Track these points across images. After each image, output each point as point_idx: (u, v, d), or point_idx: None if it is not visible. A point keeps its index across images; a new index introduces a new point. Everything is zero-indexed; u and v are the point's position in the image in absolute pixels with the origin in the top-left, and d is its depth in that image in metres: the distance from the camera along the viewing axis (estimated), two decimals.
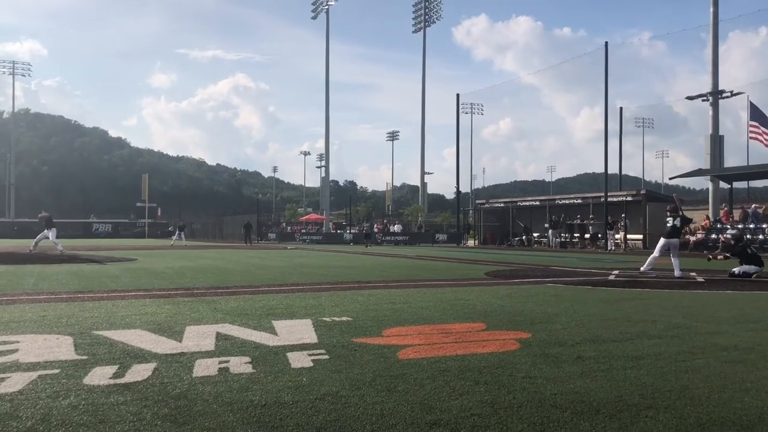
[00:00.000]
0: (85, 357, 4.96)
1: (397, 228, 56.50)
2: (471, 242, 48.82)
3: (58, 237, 26.16)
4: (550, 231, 38.94)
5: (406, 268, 17.45)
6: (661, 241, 14.79)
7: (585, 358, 5.09)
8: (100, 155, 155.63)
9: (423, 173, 72.40)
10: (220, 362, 4.79)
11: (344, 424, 3.34)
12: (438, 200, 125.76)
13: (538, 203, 45.07)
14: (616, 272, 15.58)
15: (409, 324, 6.84)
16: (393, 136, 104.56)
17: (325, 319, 7.05)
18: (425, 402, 3.76)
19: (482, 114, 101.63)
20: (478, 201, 54.82)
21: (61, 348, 5.31)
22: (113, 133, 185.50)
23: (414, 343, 5.72)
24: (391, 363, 4.83)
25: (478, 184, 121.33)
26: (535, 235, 41.64)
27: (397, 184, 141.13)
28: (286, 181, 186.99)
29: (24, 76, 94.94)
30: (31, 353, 5.11)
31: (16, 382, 4.14)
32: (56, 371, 4.46)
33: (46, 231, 25.33)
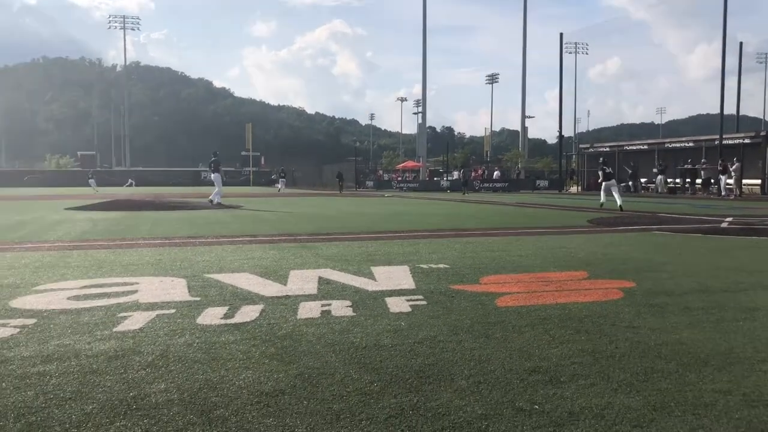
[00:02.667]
0: (198, 298, 5.26)
1: (495, 174, 55.64)
2: (574, 188, 47.47)
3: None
4: (658, 176, 37.18)
5: (505, 216, 17.25)
6: None
7: (693, 308, 4.89)
8: (206, 105, 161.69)
9: (524, 117, 70.39)
10: (322, 305, 4.96)
11: (442, 368, 3.40)
12: (539, 145, 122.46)
13: (646, 147, 43.01)
14: (730, 219, 14.75)
15: (507, 272, 6.79)
16: (492, 79, 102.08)
17: (422, 265, 7.12)
18: (524, 349, 3.75)
19: (587, 54, 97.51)
20: (581, 145, 52.94)
21: (176, 289, 5.66)
22: (217, 83, 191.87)
23: (512, 291, 5.69)
24: (489, 310, 4.83)
25: (582, 128, 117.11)
26: (643, 180, 39.89)
27: (497, 129, 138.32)
28: (383, 129, 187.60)
29: (133, 29, 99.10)
30: (150, 294, 5.47)
31: (137, 320, 4.47)
32: (172, 311, 4.77)
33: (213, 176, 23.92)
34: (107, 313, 4.68)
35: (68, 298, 5.25)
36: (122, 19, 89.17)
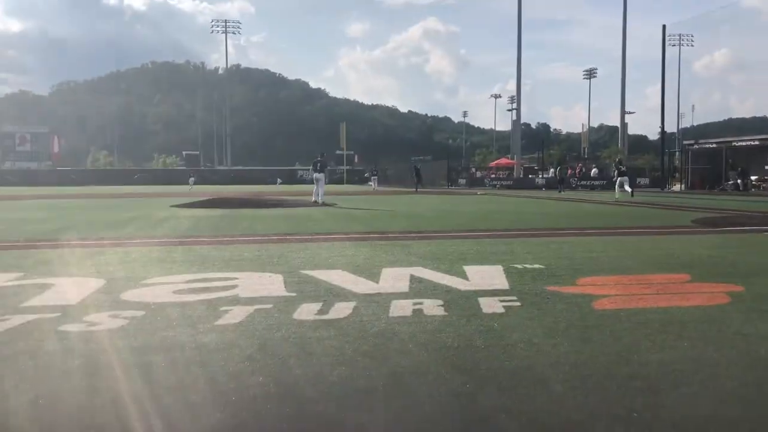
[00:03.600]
0: (293, 294, 5.40)
1: (593, 172, 53.93)
2: (676, 187, 45.36)
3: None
4: None
5: (603, 215, 16.70)
6: None
7: None
8: (302, 106, 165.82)
9: (623, 112, 67.84)
10: (414, 304, 4.98)
11: (537, 371, 3.33)
12: (639, 141, 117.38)
13: (757, 143, 40.41)
14: None
15: (605, 273, 6.57)
16: (590, 73, 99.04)
17: (516, 265, 7.01)
18: (622, 354, 3.62)
19: (692, 46, 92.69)
20: (685, 142, 50.49)
21: (273, 285, 5.83)
22: (313, 84, 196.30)
23: (611, 293, 5.50)
24: (585, 313, 4.70)
25: (686, 123, 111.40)
26: (753, 178, 37.56)
27: (594, 125, 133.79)
28: (476, 126, 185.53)
29: (234, 33, 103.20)
30: (248, 289, 5.67)
31: (237, 314, 4.64)
32: (269, 306, 4.92)
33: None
34: (209, 307, 4.89)
35: (174, 292, 5.52)
36: (224, 24, 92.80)
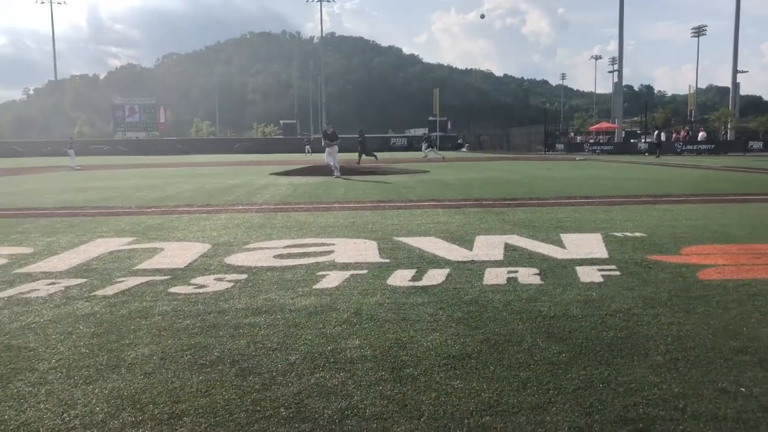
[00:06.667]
0: (387, 260, 5.48)
1: (701, 136, 51.02)
2: None
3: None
4: None
5: (709, 181, 15.83)
6: None
7: None
8: (395, 72, 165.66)
9: (735, 71, 63.46)
10: (508, 272, 4.94)
11: (636, 342, 3.25)
12: (753, 103, 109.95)
13: None
14: None
15: (711, 242, 6.26)
16: (699, 31, 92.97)
17: (616, 233, 6.79)
18: (729, 327, 3.46)
19: None
20: None
21: (367, 251, 5.94)
22: (406, 50, 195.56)
23: (717, 263, 5.24)
24: (690, 283, 4.51)
25: None
26: None
27: (702, 86, 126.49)
28: (574, 89, 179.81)
29: (329, 1, 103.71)
30: (344, 254, 5.81)
31: (334, 279, 4.77)
32: (364, 272, 5.02)
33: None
34: (307, 272, 5.04)
35: (274, 257, 5.73)
36: None
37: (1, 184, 18.18)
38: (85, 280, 4.87)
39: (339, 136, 20.85)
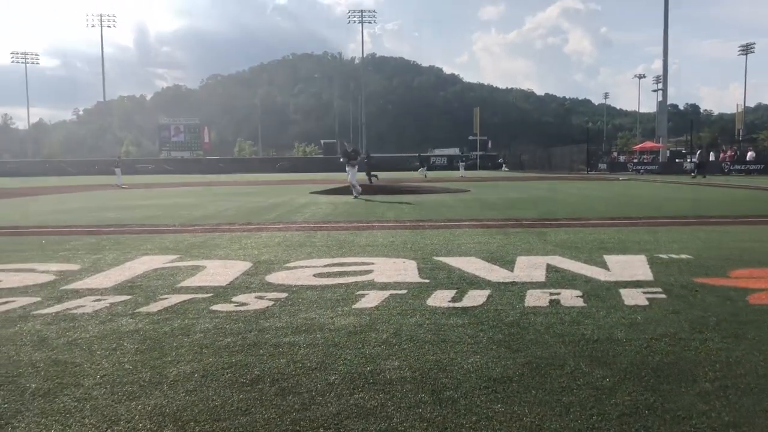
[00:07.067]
0: (427, 280, 5.46)
1: (749, 155, 49.71)
2: None
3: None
4: None
5: (759, 202, 15.39)
6: None
7: None
8: (435, 92, 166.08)
9: None
10: (551, 294, 4.86)
11: (683, 367, 3.15)
12: None
13: None
14: None
15: (762, 266, 6.07)
16: (747, 48, 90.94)
17: (661, 255, 6.63)
18: None
19: None
20: None
21: (407, 271, 5.92)
22: (447, 69, 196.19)
23: None
24: (739, 307, 4.37)
25: None
26: None
27: (751, 105, 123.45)
28: (617, 108, 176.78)
29: (370, 22, 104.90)
30: (384, 274, 5.80)
31: (373, 299, 4.76)
32: (404, 291, 5.01)
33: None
34: (347, 291, 5.05)
35: (314, 275, 5.76)
36: (360, 14, 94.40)
37: (52, 202, 18.75)
38: (129, 296, 4.97)
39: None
